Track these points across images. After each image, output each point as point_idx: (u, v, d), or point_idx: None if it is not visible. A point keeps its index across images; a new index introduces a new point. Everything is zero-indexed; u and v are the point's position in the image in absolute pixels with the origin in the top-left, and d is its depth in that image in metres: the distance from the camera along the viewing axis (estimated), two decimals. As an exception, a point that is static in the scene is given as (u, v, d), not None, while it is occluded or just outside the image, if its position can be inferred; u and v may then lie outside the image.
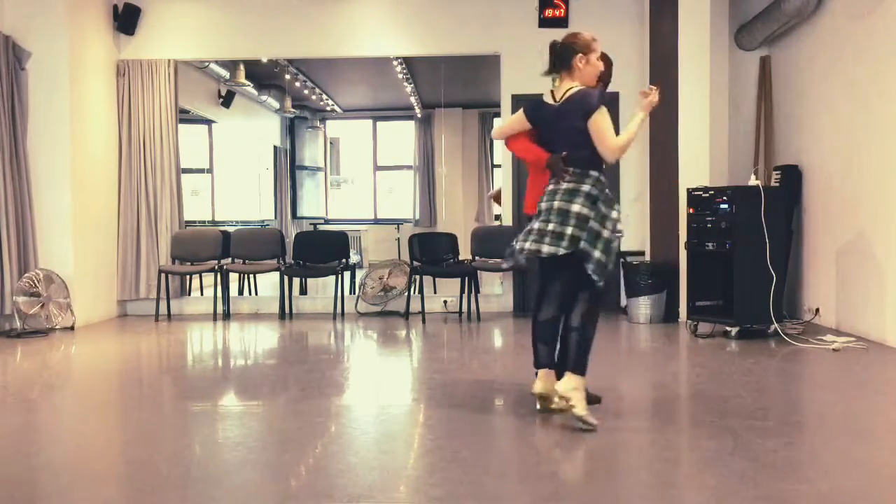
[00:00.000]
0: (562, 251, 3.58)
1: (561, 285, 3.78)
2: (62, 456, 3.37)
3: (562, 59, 3.76)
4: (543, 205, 3.70)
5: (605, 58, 4.18)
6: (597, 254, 3.57)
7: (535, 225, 3.68)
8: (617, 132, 3.72)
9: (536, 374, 3.82)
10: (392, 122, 13.68)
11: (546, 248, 3.60)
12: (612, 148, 3.65)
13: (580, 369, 3.64)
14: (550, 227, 3.62)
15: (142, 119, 7.91)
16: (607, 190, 3.70)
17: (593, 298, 3.70)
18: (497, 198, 9.67)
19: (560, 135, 3.74)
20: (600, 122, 3.65)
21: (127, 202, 7.88)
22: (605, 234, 3.61)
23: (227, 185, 11.62)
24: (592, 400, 4.03)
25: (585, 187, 3.64)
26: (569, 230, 3.58)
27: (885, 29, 5.63)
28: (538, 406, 3.82)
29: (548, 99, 3.81)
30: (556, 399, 3.68)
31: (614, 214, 3.67)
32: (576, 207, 3.60)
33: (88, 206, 7.34)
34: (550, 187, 3.72)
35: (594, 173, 3.68)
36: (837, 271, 6.38)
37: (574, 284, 3.71)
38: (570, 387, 3.59)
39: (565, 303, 3.76)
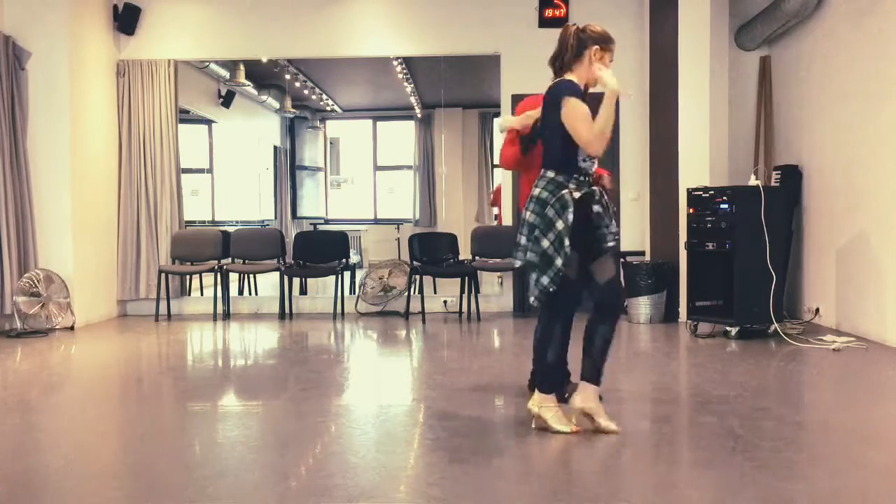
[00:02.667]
0: (517, 263, 3.49)
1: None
2: (62, 456, 3.37)
3: (578, 45, 3.43)
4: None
5: None
6: (534, 273, 3.40)
7: None
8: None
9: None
10: (392, 122, 13.67)
11: (517, 262, 3.52)
12: (587, 140, 3.32)
13: (543, 387, 3.55)
14: (520, 238, 3.50)
15: (142, 119, 7.91)
16: (565, 192, 3.35)
17: (550, 317, 3.52)
18: (496, 200, 9.64)
19: (542, 128, 3.54)
20: (569, 112, 3.33)
21: (127, 202, 7.88)
22: (545, 243, 3.35)
23: (227, 185, 11.62)
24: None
25: (536, 191, 3.43)
26: (522, 240, 3.45)
27: (885, 28, 5.63)
28: (574, 422, 3.55)
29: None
30: (602, 421, 3.49)
31: (560, 225, 3.32)
32: (527, 214, 3.44)
33: (88, 206, 7.34)
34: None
35: (550, 174, 3.41)
36: (837, 271, 6.37)
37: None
38: (535, 405, 3.53)
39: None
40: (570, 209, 3.34)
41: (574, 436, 3.44)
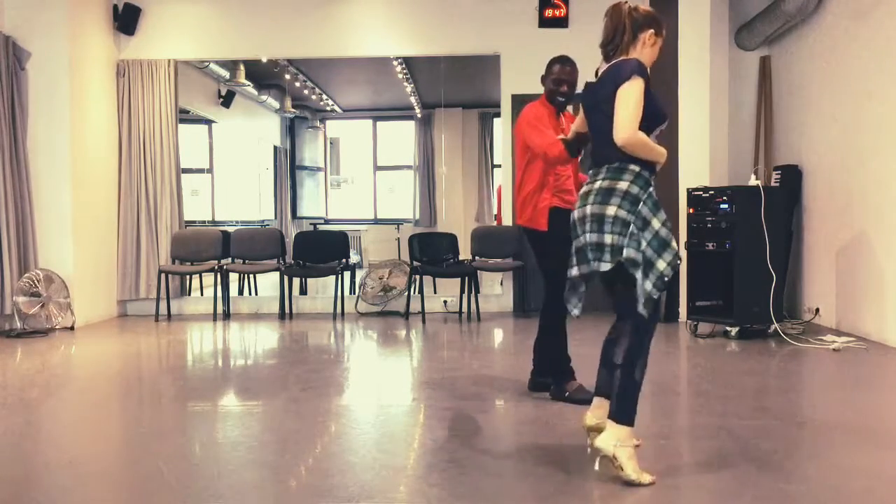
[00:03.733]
0: (605, 267, 2.93)
1: (615, 303, 3.06)
2: (62, 456, 3.37)
3: (633, 27, 3.04)
4: (576, 213, 3.04)
5: (567, 61, 4.09)
6: (639, 274, 2.90)
7: (574, 244, 3.08)
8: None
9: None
10: (392, 122, 13.67)
11: (585, 268, 3.01)
12: (625, 128, 2.89)
13: (622, 417, 2.90)
14: (589, 238, 2.97)
15: (142, 119, 7.91)
16: (652, 189, 2.98)
17: (640, 331, 2.97)
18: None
19: (596, 119, 3.13)
20: (626, 91, 2.92)
21: (127, 202, 7.88)
22: (643, 244, 2.90)
23: (227, 185, 11.63)
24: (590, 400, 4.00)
25: (623, 185, 2.94)
26: (607, 238, 2.91)
27: (885, 28, 5.63)
28: (589, 441, 3.11)
29: (591, 79, 3.22)
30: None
31: (656, 223, 2.92)
32: (611, 210, 2.91)
33: (88, 206, 7.34)
34: (584, 188, 3.07)
35: (635, 167, 2.96)
36: (837, 271, 6.37)
37: (621, 306, 3.01)
38: (610, 443, 2.87)
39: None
40: (662, 209, 2.99)
41: (574, 435, 3.40)
